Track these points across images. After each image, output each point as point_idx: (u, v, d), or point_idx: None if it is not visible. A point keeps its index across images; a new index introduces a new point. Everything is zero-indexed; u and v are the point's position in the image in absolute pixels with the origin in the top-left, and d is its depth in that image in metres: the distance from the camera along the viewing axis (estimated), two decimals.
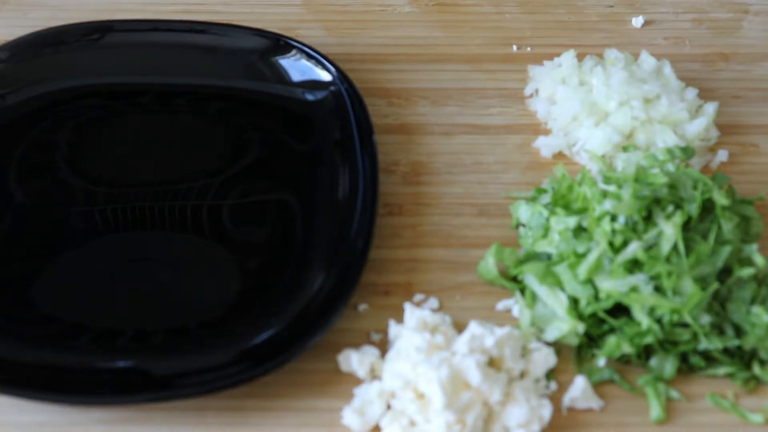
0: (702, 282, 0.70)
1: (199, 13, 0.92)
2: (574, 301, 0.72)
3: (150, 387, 0.69)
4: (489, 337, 0.69)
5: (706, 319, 0.70)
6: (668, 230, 0.70)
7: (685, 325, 0.70)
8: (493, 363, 0.69)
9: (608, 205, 0.71)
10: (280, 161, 0.82)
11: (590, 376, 0.70)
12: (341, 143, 0.81)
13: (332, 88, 0.84)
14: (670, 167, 0.75)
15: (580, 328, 0.70)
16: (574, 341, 0.71)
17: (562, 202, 0.75)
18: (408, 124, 0.86)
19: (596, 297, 0.71)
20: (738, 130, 0.86)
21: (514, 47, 0.91)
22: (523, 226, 0.78)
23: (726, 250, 0.71)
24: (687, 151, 0.77)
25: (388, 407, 0.69)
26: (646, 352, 0.71)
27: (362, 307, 0.74)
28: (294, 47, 0.86)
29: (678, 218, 0.70)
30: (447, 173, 0.83)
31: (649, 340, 0.69)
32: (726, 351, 0.71)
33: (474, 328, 0.70)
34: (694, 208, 0.72)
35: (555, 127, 0.84)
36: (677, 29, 0.94)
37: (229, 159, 0.82)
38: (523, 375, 0.70)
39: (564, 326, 0.71)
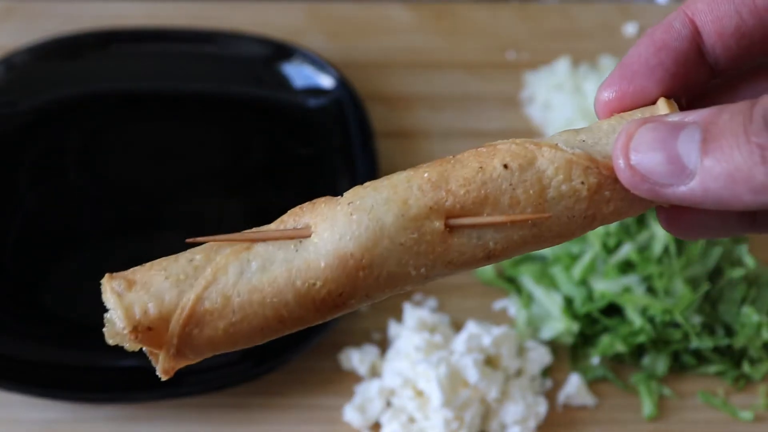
0: (693, 282, 0.71)
1: (205, 19, 0.93)
2: (568, 301, 0.73)
3: (156, 385, 0.69)
4: (486, 336, 0.70)
5: (697, 319, 0.71)
6: (660, 232, 0.71)
7: (676, 325, 0.71)
8: (490, 361, 0.71)
9: None
10: (282, 165, 0.82)
11: (585, 374, 0.72)
12: (342, 148, 0.82)
13: (334, 94, 0.85)
14: None
15: (575, 327, 0.71)
16: (569, 340, 0.72)
17: None
18: (407, 129, 0.87)
19: (590, 297, 0.72)
20: None
21: (510, 54, 0.92)
22: None
23: (717, 251, 0.72)
24: None
25: (388, 404, 0.70)
26: (638, 351, 0.73)
27: (363, 307, 0.75)
28: (297, 54, 0.87)
29: None
30: None
31: (641, 339, 0.71)
32: (717, 350, 0.72)
33: (472, 327, 0.71)
34: None
35: (550, 132, 0.85)
36: None
37: (233, 163, 0.83)
38: (519, 373, 0.71)
39: (559, 326, 0.72)
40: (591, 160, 0.38)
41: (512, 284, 0.76)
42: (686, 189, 0.36)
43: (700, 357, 0.73)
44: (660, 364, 0.72)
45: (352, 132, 0.82)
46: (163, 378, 0.40)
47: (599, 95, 0.41)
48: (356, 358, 0.72)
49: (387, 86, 0.89)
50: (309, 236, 0.39)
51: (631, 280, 0.71)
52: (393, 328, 0.73)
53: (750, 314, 0.71)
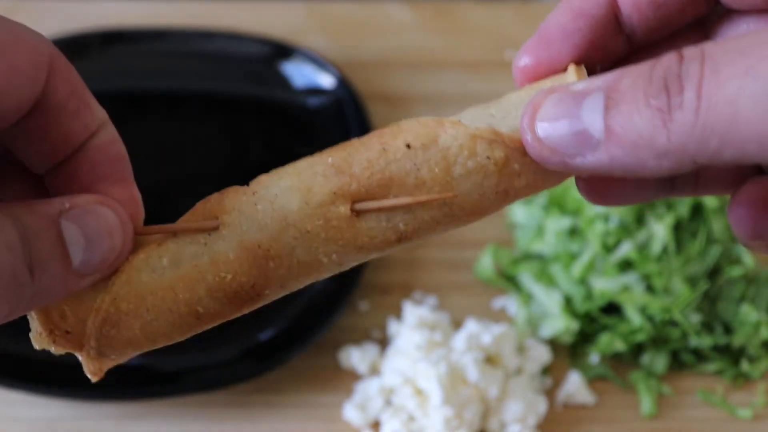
0: (692, 281, 0.72)
1: (205, 19, 0.93)
2: (568, 300, 0.73)
3: (158, 383, 0.70)
4: (486, 334, 0.71)
5: (696, 317, 0.71)
6: (659, 231, 0.72)
7: (675, 323, 0.72)
8: (490, 359, 0.71)
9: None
10: (282, 165, 0.83)
11: (584, 373, 0.72)
12: None
13: (334, 93, 0.85)
14: None
15: (574, 325, 0.72)
16: (569, 339, 0.73)
17: (557, 203, 0.77)
18: None
19: (590, 296, 0.73)
20: None
21: (510, 53, 0.92)
22: (519, 227, 0.79)
23: (716, 250, 0.73)
24: None
25: (388, 403, 0.70)
26: (638, 349, 0.73)
27: (363, 305, 0.76)
28: (297, 54, 0.87)
29: (669, 219, 0.72)
30: None
31: (640, 337, 0.71)
32: (715, 348, 0.73)
33: (471, 325, 0.72)
34: (684, 209, 0.73)
35: None
36: None
37: (232, 163, 0.83)
38: (519, 371, 0.72)
39: (558, 324, 0.72)
40: (495, 133, 0.37)
41: (512, 283, 0.76)
42: (594, 158, 0.35)
43: (699, 355, 0.73)
44: (659, 362, 0.72)
45: (352, 131, 0.82)
46: (93, 380, 0.39)
47: (516, 61, 0.40)
48: (356, 357, 0.72)
49: (387, 86, 0.90)
50: (217, 228, 0.39)
51: (631, 278, 0.71)
52: (393, 326, 0.74)
53: (749, 312, 0.71)
